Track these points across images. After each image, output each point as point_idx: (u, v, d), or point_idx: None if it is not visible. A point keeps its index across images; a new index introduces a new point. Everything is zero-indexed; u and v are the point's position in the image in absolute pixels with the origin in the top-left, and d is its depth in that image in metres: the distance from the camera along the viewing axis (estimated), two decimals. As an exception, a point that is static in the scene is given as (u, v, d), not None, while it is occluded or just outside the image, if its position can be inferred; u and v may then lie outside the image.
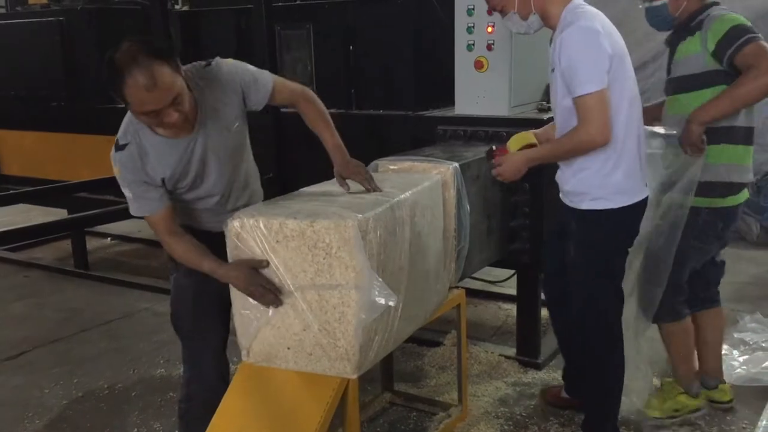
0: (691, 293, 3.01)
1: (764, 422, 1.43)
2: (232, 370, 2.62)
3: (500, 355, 3.68)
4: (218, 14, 4.78)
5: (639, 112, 2.61)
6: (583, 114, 2.43)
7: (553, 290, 2.97)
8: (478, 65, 3.40)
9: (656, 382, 3.19)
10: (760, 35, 2.65)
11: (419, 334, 3.26)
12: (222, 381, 2.53)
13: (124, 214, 2.62)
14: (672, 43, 2.91)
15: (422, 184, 2.60)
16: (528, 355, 3.64)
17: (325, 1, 4.20)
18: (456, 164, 2.83)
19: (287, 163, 4.20)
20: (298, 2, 4.42)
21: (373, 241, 2.21)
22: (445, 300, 2.87)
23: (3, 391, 3.63)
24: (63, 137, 5.34)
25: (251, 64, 2.50)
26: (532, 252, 3.34)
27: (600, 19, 2.50)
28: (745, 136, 2.82)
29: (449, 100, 3.61)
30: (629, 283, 2.88)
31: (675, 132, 2.78)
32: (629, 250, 2.70)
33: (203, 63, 2.40)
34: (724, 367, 3.20)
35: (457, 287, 2.97)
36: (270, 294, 2.25)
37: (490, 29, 3.34)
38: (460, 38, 3.43)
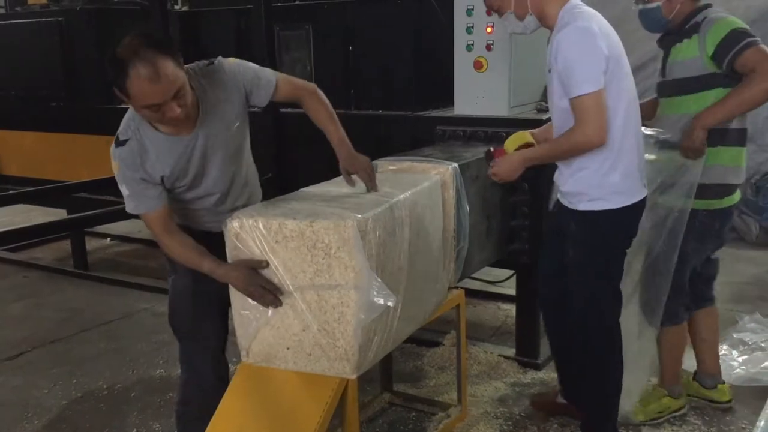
0: (691, 293, 3.02)
1: (763, 422, 1.42)
2: (232, 371, 2.62)
3: (499, 355, 3.68)
4: (217, 15, 4.77)
5: (637, 112, 2.60)
6: (579, 115, 2.43)
7: (551, 292, 2.97)
8: (478, 65, 3.40)
9: (655, 381, 3.19)
10: (758, 39, 2.67)
11: (418, 335, 3.26)
12: (220, 382, 2.53)
13: (124, 215, 2.61)
14: (665, 45, 2.92)
15: (421, 185, 2.60)
16: (527, 356, 3.64)
17: (325, 2, 4.21)
18: (455, 164, 2.83)
19: (287, 163, 4.20)
20: (297, 2, 4.42)
21: (373, 242, 2.21)
22: (445, 300, 2.87)
23: (2, 391, 3.63)
24: (62, 137, 5.34)
25: (251, 63, 2.50)
26: (531, 252, 3.34)
27: (597, 20, 2.49)
28: (739, 138, 2.86)
29: (448, 101, 3.61)
30: (629, 285, 2.88)
31: (670, 136, 2.80)
32: (627, 251, 2.69)
33: (205, 62, 2.40)
34: (723, 367, 3.21)
35: (456, 287, 2.97)
36: (269, 294, 2.24)
37: (489, 29, 3.34)
38: (460, 38, 3.43)
